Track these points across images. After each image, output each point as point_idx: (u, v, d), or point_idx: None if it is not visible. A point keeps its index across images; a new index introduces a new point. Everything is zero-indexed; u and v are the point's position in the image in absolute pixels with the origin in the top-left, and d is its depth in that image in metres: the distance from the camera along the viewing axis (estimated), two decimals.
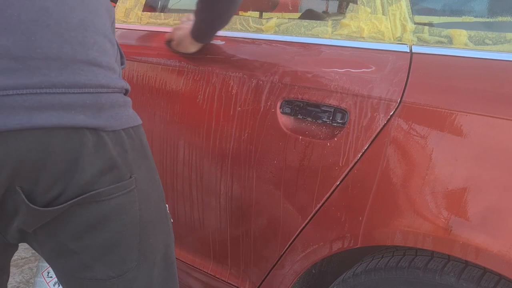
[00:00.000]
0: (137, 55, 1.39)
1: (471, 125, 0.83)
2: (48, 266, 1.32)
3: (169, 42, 1.29)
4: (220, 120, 1.18)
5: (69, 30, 0.66)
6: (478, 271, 0.85)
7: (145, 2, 1.50)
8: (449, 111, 0.86)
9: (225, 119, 1.16)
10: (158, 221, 0.82)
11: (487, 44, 0.89)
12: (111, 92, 0.71)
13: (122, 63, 0.83)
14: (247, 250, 1.20)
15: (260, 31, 1.19)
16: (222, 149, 1.18)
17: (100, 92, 0.69)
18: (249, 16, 1.34)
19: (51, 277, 1.32)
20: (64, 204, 0.68)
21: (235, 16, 1.27)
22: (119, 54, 0.80)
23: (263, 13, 1.68)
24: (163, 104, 1.30)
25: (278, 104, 1.07)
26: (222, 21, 1.13)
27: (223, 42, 1.24)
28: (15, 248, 0.81)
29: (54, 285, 1.31)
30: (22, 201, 0.67)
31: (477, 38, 0.90)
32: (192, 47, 1.23)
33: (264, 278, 1.19)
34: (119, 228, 0.74)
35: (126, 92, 0.77)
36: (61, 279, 0.81)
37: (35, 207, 0.67)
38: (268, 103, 1.09)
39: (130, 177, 0.73)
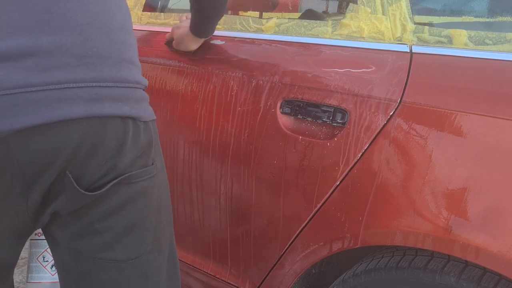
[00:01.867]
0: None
1: (471, 125, 0.83)
2: (43, 251, 1.32)
3: (169, 42, 1.29)
4: (220, 120, 1.18)
5: (115, 32, 0.75)
6: (478, 271, 0.85)
7: (145, 2, 1.50)
8: (449, 111, 0.86)
9: (225, 119, 1.16)
10: (168, 210, 0.89)
11: (487, 44, 0.89)
12: (141, 88, 0.80)
13: None
14: (247, 250, 1.20)
15: (260, 31, 1.19)
16: (222, 149, 1.18)
17: (136, 87, 0.78)
18: (249, 16, 1.34)
19: (47, 261, 1.33)
20: (106, 187, 0.75)
21: (235, 16, 1.27)
22: None
23: (263, 13, 1.68)
24: (163, 104, 1.30)
25: (278, 104, 1.07)
26: (218, 14, 1.17)
27: (223, 42, 1.24)
28: (29, 235, 0.84)
29: (51, 268, 1.32)
30: (70, 185, 0.72)
31: (477, 38, 0.90)
32: (193, 44, 1.24)
33: (264, 278, 1.19)
34: (141, 210, 0.80)
35: (145, 88, 0.85)
36: (76, 262, 0.83)
37: (83, 191, 0.73)
38: (268, 103, 1.09)
39: (153, 163, 0.82)
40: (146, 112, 0.80)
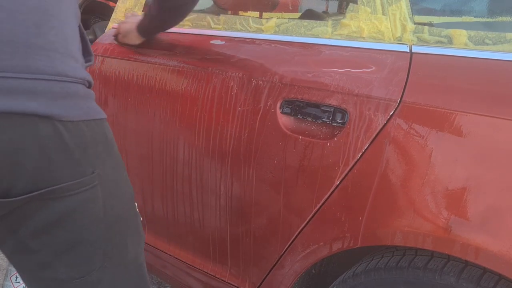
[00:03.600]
0: (137, 55, 1.39)
1: (471, 125, 0.83)
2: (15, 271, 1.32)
3: (116, 36, 1.42)
4: (220, 120, 1.18)
5: (25, 12, 0.63)
6: (478, 271, 0.85)
7: (145, 2, 1.50)
8: (449, 111, 0.86)
9: (225, 119, 1.16)
10: (126, 220, 0.78)
11: (487, 44, 0.89)
12: (69, 82, 0.67)
13: (89, 60, 0.79)
14: (247, 250, 1.20)
15: (260, 31, 1.19)
16: (222, 149, 1.18)
17: (56, 80, 0.65)
18: (249, 16, 1.34)
19: (18, 282, 1.31)
20: (17, 198, 0.64)
21: (235, 16, 1.27)
22: (86, 47, 0.77)
23: (263, 13, 1.68)
24: (163, 104, 1.30)
25: (278, 104, 1.07)
26: (170, 24, 1.26)
27: (223, 42, 1.24)
28: None
29: None
30: None
31: (477, 38, 0.90)
32: (137, 40, 1.36)
33: (264, 278, 1.19)
34: (81, 226, 0.70)
35: (89, 85, 0.73)
36: (24, 279, 0.77)
37: None
38: (268, 103, 1.09)
39: (93, 172, 0.70)
40: (76, 110, 0.67)
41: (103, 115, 0.74)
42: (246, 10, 1.66)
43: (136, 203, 0.84)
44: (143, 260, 0.84)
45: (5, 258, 2.04)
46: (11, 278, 1.31)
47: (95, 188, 0.70)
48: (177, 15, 1.21)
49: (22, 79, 0.62)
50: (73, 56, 0.69)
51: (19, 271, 0.76)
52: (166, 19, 1.23)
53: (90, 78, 0.73)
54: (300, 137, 1.04)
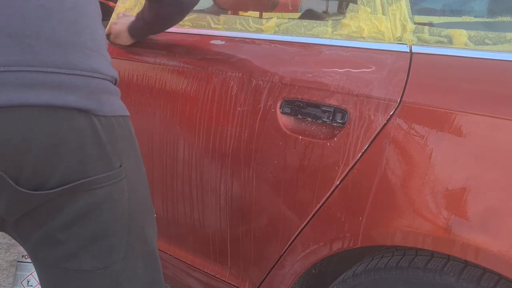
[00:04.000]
0: (137, 55, 1.39)
1: (471, 125, 0.83)
2: (28, 274, 1.31)
3: (107, 35, 1.42)
4: (220, 120, 1.18)
5: (63, 11, 0.66)
6: (478, 271, 0.85)
7: (145, 2, 1.50)
8: (449, 111, 0.86)
9: (225, 119, 1.16)
10: (145, 213, 0.81)
11: (487, 44, 0.89)
12: (102, 78, 0.70)
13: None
14: (247, 250, 1.20)
15: (260, 31, 1.19)
16: (222, 149, 1.18)
17: (92, 76, 0.68)
18: (249, 16, 1.34)
19: (31, 285, 1.31)
20: (54, 190, 0.66)
21: (235, 16, 1.27)
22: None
23: (263, 13, 1.68)
24: (163, 104, 1.30)
25: (278, 104, 1.07)
26: (161, 29, 1.27)
27: (223, 42, 1.24)
28: None
29: None
30: (7, 185, 0.64)
31: (477, 38, 0.90)
32: (128, 41, 1.38)
33: (264, 278, 1.19)
34: (108, 217, 0.73)
35: (115, 82, 0.76)
36: (44, 272, 0.78)
37: (23, 190, 0.65)
38: (268, 103, 1.09)
39: (120, 166, 0.72)
40: (108, 106, 0.70)
41: (128, 112, 0.77)
42: (246, 10, 1.66)
43: None
44: (157, 253, 0.86)
45: (5, 258, 2.04)
46: (22, 282, 1.31)
47: (122, 181, 0.73)
48: (170, 22, 1.23)
49: (63, 74, 0.64)
50: (104, 54, 0.72)
51: (40, 264, 0.77)
52: (158, 24, 1.25)
53: (117, 75, 0.76)
54: (300, 137, 1.04)
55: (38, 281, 1.30)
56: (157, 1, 1.12)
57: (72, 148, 0.66)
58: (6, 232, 0.76)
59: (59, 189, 0.66)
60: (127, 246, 0.76)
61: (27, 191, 0.65)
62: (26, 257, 1.31)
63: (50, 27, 0.64)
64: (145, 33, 1.35)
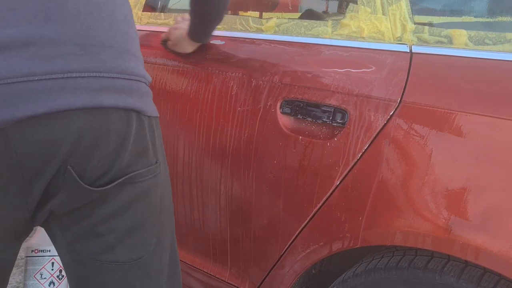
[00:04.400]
0: None
1: (471, 125, 0.83)
2: (40, 268, 1.32)
3: (165, 42, 1.30)
4: (220, 120, 1.18)
5: (118, 23, 0.74)
6: (478, 271, 0.85)
7: (145, 2, 1.50)
8: (449, 111, 0.86)
9: (225, 119, 1.16)
10: (170, 207, 0.87)
11: (487, 44, 0.89)
12: (145, 82, 0.79)
13: None
14: (247, 250, 1.20)
15: (260, 31, 1.19)
16: (222, 149, 1.18)
17: (140, 81, 0.77)
18: (249, 16, 1.34)
19: (45, 278, 1.32)
20: (112, 184, 0.72)
21: (235, 16, 1.27)
22: None
23: (263, 13, 1.68)
24: (163, 104, 1.30)
25: (278, 104, 1.07)
26: (216, 20, 1.16)
27: (223, 42, 1.24)
28: (28, 234, 0.81)
29: (49, 285, 1.32)
30: (72, 181, 0.70)
31: (477, 38, 0.90)
32: (189, 47, 1.25)
33: (264, 278, 1.19)
34: (144, 210, 0.79)
35: (148, 84, 0.84)
36: (77, 264, 0.81)
37: (86, 186, 0.71)
38: (268, 103, 1.09)
39: (156, 162, 0.80)
40: (151, 107, 0.79)
41: (158, 113, 0.84)
42: (246, 10, 1.66)
43: None
44: (176, 247, 0.92)
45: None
46: (36, 276, 1.32)
47: (158, 176, 0.80)
48: (222, 4, 1.10)
49: (122, 79, 0.73)
50: (142, 59, 0.81)
51: (74, 256, 0.80)
52: (211, 9, 1.12)
53: (150, 78, 0.83)
54: (300, 137, 1.04)
55: (51, 273, 1.31)
56: None
57: (128, 145, 0.73)
58: (43, 226, 0.80)
59: (115, 183, 0.73)
60: (156, 238, 0.82)
61: (89, 187, 0.71)
62: (36, 251, 1.32)
63: (111, 37, 0.72)
64: (204, 31, 1.20)
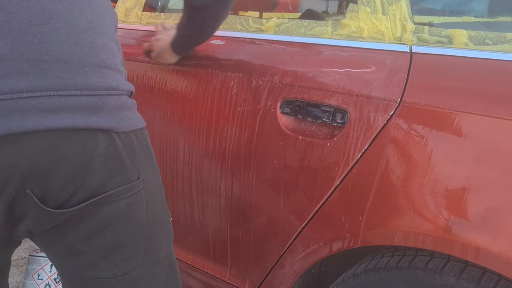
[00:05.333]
0: (137, 55, 1.39)
1: (471, 125, 0.83)
2: (39, 268, 1.32)
3: (148, 52, 1.29)
4: (220, 120, 1.18)
5: (79, 33, 0.68)
6: (478, 271, 0.85)
7: (145, 2, 1.50)
8: (449, 111, 0.86)
9: (225, 119, 1.16)
10: (161, 220, 0.83)
11: (487, 44, 0.89)
12: (120, 94, 0.73)
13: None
14: (247, 250, 1.20)
15: (260, 31, 1.19)
16: (222, 149, 1.18)
17: (111, 94, 0.70)
18: (249, 16, 1.34)
19: (41, 279, 1.32)
20: (78, 206, 0.69)
21: (235, 16, 1.27)
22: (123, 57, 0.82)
23: (263, 13, 1.68)
24: (163, 104, 1.30)
25: (278, 104, 1.07)
26: (205, 38, 1.16)
27: (223, 42, 1.24)
28: (18, 243, 0.81)
29: (45, 287, 1.32)
30: (34, 204, 0.67)
31: (477, 38, 0.90)
32: (173, 59, 1.24)
33: (264, 278, 1.19)
34: (127, 227, 0.75)
35: (131, 94, 0.78)
36: (65, 278, 0.81)
37: (49, 209, 0.68)
38: (268, 103, 1.08)
39: (138, 177, 0.75)
40: (127, 121, 0.73)
41: (144, 123, 0.79)
42: (246, 10, 1.66)
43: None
44: (174, 257, 0.89)
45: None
46: (33, 276, 1.32)
47: (140, 192, 0.76)
48: (209, 17, 1.06)
49: (83, 96, 0.67)
50: (120, 70, 0.75)
51: (62, 271, 0.80)
52: (201, 23, 1.07)
53: (133, 88, 0.78)
54: (300, 137, 1.04)
55: (48, 275, 1.32)
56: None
57: (95, 166, 0.68)
58: (32, 240, 0.79)
59: (82, 205, 0.69)
60: (144, 253, 0.79)
61: (52, 209, 0.68)
62: (38, 251, 1.33)
63: (68, 50, 0.66)
64: (192, 45, 1.20)
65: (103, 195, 0.70)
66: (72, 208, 0.69)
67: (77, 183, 0.68)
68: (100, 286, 0.78)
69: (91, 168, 0.68)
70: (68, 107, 0.65)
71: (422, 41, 0.95)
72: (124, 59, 1.39)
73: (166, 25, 1.27)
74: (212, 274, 1.31)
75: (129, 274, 0.78)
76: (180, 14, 1.38)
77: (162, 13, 1.46)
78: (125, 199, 0.73)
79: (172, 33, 1.18)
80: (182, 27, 1.12)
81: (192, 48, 1.22)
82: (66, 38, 0.66)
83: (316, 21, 1.11)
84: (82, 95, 0.67)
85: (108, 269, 0.76)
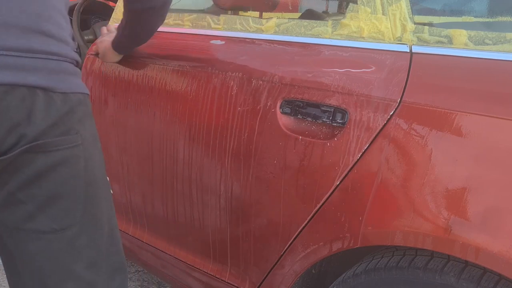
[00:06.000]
0: (137, 55, 1.39)
1: (471, 125, 0.83)
2: None
3: (96, 54, 1.42)
4: (220, 120, 1.18)
5: (29, 4, 0.76)
6: (478, 271, 0.85)
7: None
8: (449, 111, 0.86)
9: (225, 119, 1.16)
10: (102, 185, 0.89)
11: (487, 44, 0.89)
12: (61, 60, 0.80)
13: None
14: (247, 250, 1.20)
15: (260, 31, 1.19)
16: (222, 149, 1.18)
17: (51, 59, 0.79)
18: (249, 16, 1.34)
19: None
20: (14, 152, 0.75)
21: (235, 16, 1.27)
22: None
23: (263, 13, 1.68)
24: (163, 104, 1.30)
25: (278, 104, 1.07)
26: (143, 39, 1.26)
27: (223, 42, 1.24)
28: None
29: None
30: None
31: (477, 38, 0.90)
32: (115, 57, 1.38)
33: (264, 278, 1.19)
34: (64, 180, 0.81)
35: (77, 64, 0.86)
36: (6, 236, 0.84)
37: None
38: (268, 103, 1.09)
39: (77, 133, 0.82)
40: (66, 84, 0.80)
41: (87, 91, 0.86)
42: (246, 10, 1.66)
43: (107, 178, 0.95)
44: (115, 226, 0.95)
45: None
46: None
47: (78, 147, 0.82)
48: (150, 25, 1.17)
49: (25, 57, 0.75)
50: (65, 41, 0.83)
51: (1, 225, 0.84)
52: (137, 26, 1.18)
53: (78, 58, 0.86)
54: (300, 137, 1.04)
55: None
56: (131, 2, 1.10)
57: (34, 119, 0.76)
58: None
59: (18, 150, 0.76)
60: (82, 211, 0.84)
61: None
62: None
63: (16, 16, 0.74)
64: (130, 44, 1.31)
65: (38, 142, 0.77)
66: (10, 155, 0.75)
67: (17, 135, 0.75)
68: (38, 240, 0.82)
69: (29, 121, 0.75)
70: (10, 65, 0.73)
71: (422, 41, 0.95)
72: (124, 59, 1.40)
73: (110, 28, 1.42)
74: (212, 274, 1.31)
75: (66, 230, 0.83)
76: (179, 14, 1.39)
77: None
78: (61, 150, 0.79)
79: (113, 35, 1.31)
80: (121, 29, 1.23)
81: (132, 48, 1.35)
82: (16, 6, 0.75)
83: (316, 21, 1.11)
84: (23, 56, 0.75)
85: (46, 222, 0.81)
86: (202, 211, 1.28)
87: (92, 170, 0.85)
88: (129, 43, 1.30)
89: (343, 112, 0.98)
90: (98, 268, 0.88)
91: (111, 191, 0.94)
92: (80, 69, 0.88)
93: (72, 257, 0.85)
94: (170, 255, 1.42)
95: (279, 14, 1.70)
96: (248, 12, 1.63)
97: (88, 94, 0.86)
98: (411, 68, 0.93)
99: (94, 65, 1.51)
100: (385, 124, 0.92)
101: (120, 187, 1.51)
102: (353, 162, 0.96)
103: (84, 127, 0.84)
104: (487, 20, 1.07)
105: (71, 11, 2.45)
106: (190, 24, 1.35)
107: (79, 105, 0.82)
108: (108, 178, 0.94)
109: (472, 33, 0.91)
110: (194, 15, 1.34)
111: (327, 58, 1.04)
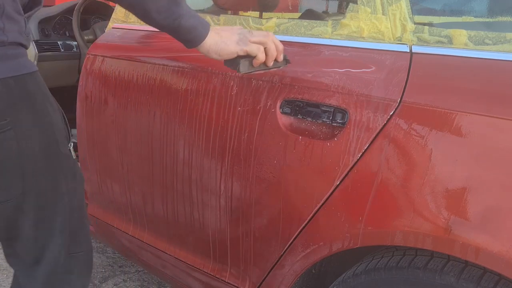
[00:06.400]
0: (137, 55, 1.39)
1: (471, 125, 0.83)
2: None
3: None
4: (220, 120, 1.18)
5: None
6: (478, 271, 0.85)
7: None
8: (449, 111, 0.86)
9: (225, 119, 1.16)
10: (46, 160, 0.93)
11: (487, 44, 0.89)
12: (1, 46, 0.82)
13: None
14: (247, 250, 1.20)
15: (260, 31, 1.19)
16: (222, 149, 1.18)
17: None
18: (249, 16, 1.34)
19: None
20: None
21: (235, 16, 1.27)
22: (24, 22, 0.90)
23: (263, 13, 1.68)
24: (163, 104, 1.30)
25: (278, 104, 1.07)
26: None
27: None
28: None
29: None
30: None
31: (477, 38, 0.90)
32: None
33: (264, 278, 1.19)
34: None
35: (20, 45, 0.87)
36: None
37: None
38: (268, 103, 1.09)
39: (5, 120, 0.85)
40: (4, 69, 0.83)
41: (33, 68, 0.89)
42: (246, 10, 1.66)
43: (71, 149, 0.97)
44: (82, 205, 1.02)
45: (5, 259, 2.04)
46: None
47: (8, 131, 0.86)
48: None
49: None
50: (12, 18, 0.84)
51: None
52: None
53: (21, 39, 0.87)
54: (300, 137, 1.04)
55: None
56: None
57: None
58: None
59: None
60: (22, 183, 0.90)
61: None
62: None
63: None
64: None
65: None
66: None
67: None
68: None
69: None
70: None
71: (422, 41, 0.95)
72: (124, 59, 1.40)
73: None
74: (212, 274, 1.31)
75: (11, 201, 0.89)
76: None
77: None
78: None
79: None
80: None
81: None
82: None
83: (316, 21, 1.11)
84: None
85: None
86: (202, 211, 1.28)
87: (31, 149, 0.89)
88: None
89: (343, 112, 0.98)
90: (47, 227, 0.96)
91: (78, 165, 0.97)
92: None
93: (13, 229, 0.94)
94: (170, 255, 1.42)
95: (279, 14, 1.70)
96: (248, 12, 1.63)
97: (34, 71, 0.89)
98: (411, 68, 0.93)
99: (94, 65, 1.51)
100: (385, 124, 0.92)
101: (120, 187, 1.51)
102: (353, 162, 0.96)
103: (18, 110, 0.86)
104: (487, 20, 1.07)
105: (71, 11, 2.45)
106: None
107: (9, 90, 0.84)
108: (74, 153, 0.96)
109: (472, 33, 0.91)
110: None
111: (327, 58, 1.04)
